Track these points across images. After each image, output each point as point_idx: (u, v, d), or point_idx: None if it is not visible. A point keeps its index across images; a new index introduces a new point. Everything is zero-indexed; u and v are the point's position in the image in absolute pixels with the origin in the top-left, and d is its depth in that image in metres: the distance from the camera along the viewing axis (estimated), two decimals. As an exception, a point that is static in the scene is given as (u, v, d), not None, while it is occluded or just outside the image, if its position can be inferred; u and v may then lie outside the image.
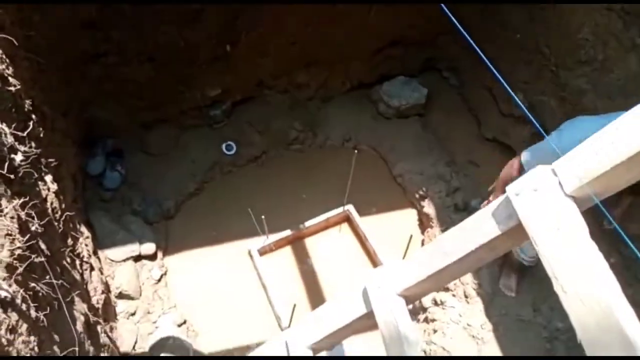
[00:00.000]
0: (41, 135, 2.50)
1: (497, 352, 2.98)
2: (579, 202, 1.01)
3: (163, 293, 3.40)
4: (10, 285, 1.53)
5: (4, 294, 1.46)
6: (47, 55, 2.94)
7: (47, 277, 1.84)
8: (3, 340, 1.39)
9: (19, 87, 2.23)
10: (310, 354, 1.68)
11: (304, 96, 4.39)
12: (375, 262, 3.64)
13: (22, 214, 1.82)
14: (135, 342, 3.10)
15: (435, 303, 3.28)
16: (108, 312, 2.97)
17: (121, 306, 3.20)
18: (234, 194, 3.94)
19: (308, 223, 3.73)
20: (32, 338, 1.57)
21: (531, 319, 3.07)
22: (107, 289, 3.06)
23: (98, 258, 3.15)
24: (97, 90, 3.64)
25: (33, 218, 1.90)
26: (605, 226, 2.66)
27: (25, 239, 1.71)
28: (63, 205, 2.54)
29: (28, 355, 1.52)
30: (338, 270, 3.62)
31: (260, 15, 3.65)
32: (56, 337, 1.83)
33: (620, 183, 0.98)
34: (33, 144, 2.19)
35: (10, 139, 1.91)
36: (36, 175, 2.15)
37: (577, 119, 2.29)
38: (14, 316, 1.50)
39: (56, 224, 2.36)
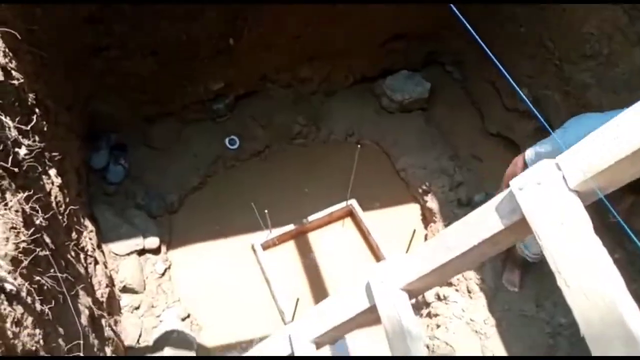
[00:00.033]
0: (45, 129, 2.50)
1: (500, 348, 2.98)
2: (583, 196, 1.00)
3: (167, 287, 3.42)
4: (15, 279, 1.54)
5: (9, 287, 1.47)
6: (49, 49, 2.93)
7: (52, 270, 1.85)
8: (9, 332, 1.40)
9: (22, 80, 2.23)
10: (313, 348, 1.69)
11: (307, 90, 4.37)
12: (378, 257, 3.64)
13: (27, 208, 1.82)
14: (140, 336, 3.11)
15: (438, 298, 3.28)
16: (112, 306, 2.98)
17: (125, 300, 3.22)
18: (237, 188, 3.94)
19: (311, 217, 3.73)
20: (37, 331, 1.58)
21: (534, 314, 3.06)
22: (111, 283, 3.07)
23: (102, 252, 3.16)
24: (99, 84, 3.64)
25: (37, 212, 1.90)
26: (610, 219, 2.64)
27: (29, 232, 1.72)
28: (67, 199, 2.55)
29: (34, 348, 1.53)
30: (341, 265, 3.62)
31: (260, 15, 3.64)
32: (61, 330, 1.84)
33: (625, 177, 0.98)
34: (37, 138, 2.19)
35: (14, 133, 1.92)
36: (40, 169, 2.15)
37: (582, 117, 2.27)
38: (19, 309, 1.51)
39: (60, 217, 2.37)
